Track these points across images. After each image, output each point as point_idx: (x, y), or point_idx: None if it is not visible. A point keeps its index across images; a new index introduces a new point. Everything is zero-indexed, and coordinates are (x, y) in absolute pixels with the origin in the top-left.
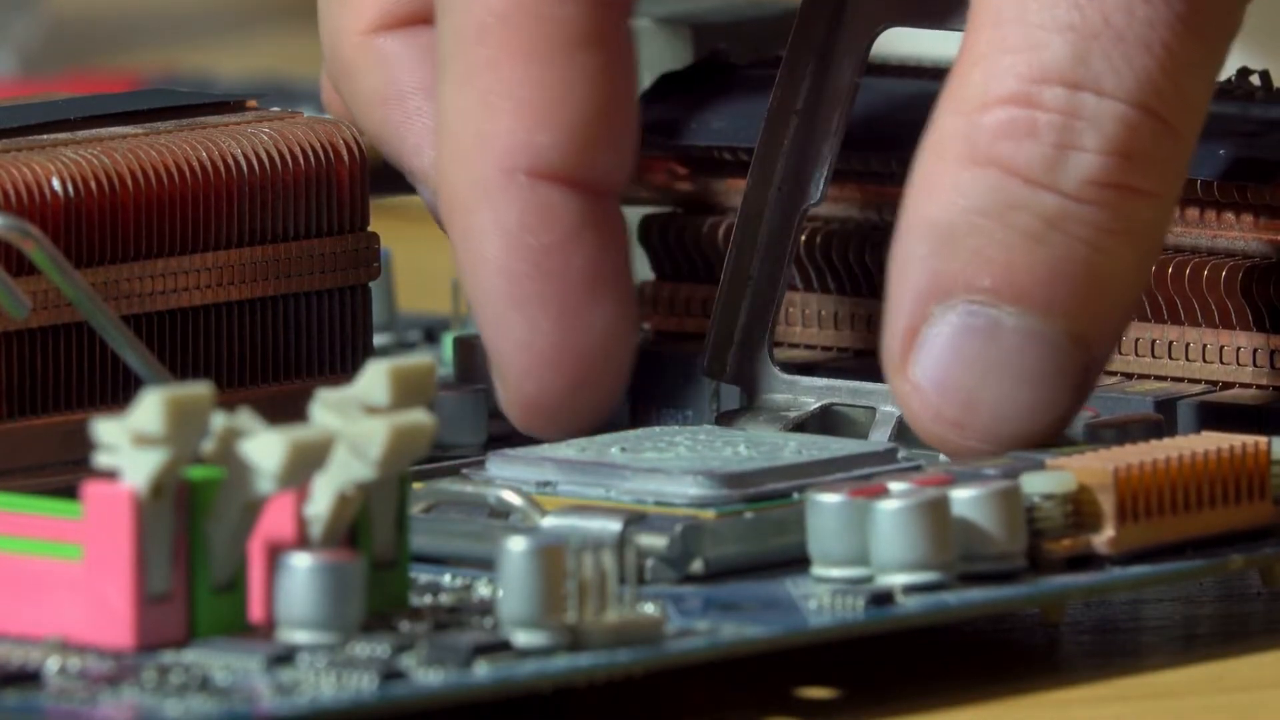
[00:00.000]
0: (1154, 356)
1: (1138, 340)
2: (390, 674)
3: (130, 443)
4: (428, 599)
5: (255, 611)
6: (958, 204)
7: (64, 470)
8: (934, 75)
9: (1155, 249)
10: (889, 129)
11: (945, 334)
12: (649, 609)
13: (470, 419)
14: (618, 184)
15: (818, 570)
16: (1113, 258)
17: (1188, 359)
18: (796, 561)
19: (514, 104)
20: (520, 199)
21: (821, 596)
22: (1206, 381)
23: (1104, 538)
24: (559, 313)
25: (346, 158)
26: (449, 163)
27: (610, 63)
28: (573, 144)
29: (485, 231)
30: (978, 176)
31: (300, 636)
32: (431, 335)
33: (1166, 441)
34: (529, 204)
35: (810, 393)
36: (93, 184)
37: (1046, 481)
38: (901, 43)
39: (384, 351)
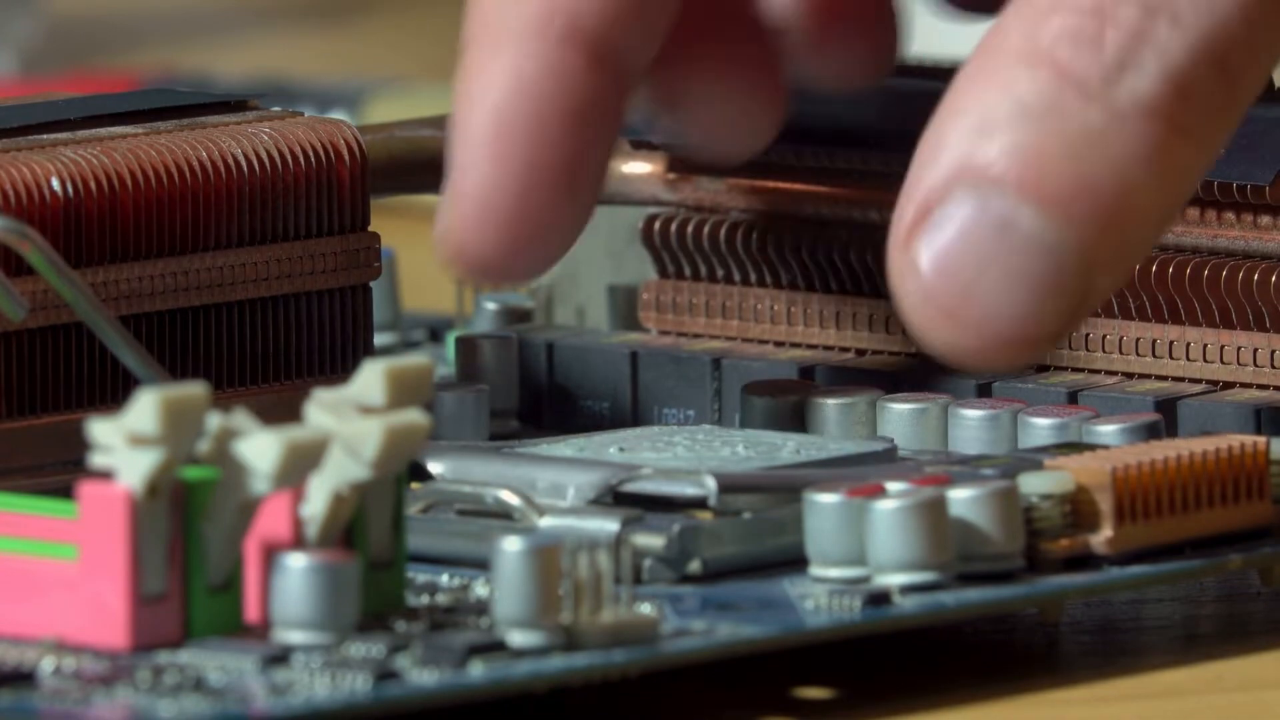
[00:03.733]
0: (1154, 356)
1: (1138, 340)
2: (385, 674)
3: (125, 443)
4: (425, 599)
5: (251, 612)
6: (1005, 96)
7: (61, 470)
8: (931, 75)
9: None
10: (888, 129)
11: (958, 217)
12: (645, 609)
13: (471, 419)
14: (637, 71)
15: (815, 570)
16: (1140, 190)
17: (1188, 359)
18: (794, 561)
19: None
20: (544, 57)
21: (819, 597)
22: (1207, 381)
23: (1102, 538)
24: (525, 185)
25: (347, 158)
26: None
27: None
28: (614, 17)
29: (498, 74)
30: (1031, 74)
31: (295, 637)
32: (436, 335)
33: (1165, 442)
34: (550, 65)
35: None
36: (93, 184)
37: (1044, 482)
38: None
39: (388, 351)
